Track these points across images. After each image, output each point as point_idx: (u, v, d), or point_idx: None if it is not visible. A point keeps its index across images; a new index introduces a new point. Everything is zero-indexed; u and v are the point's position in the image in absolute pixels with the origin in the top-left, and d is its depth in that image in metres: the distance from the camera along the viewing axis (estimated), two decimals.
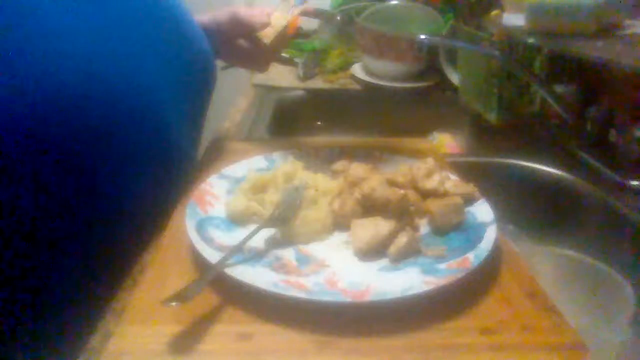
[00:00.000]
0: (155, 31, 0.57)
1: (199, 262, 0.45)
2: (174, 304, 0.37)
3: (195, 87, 0.65)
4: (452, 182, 0.57)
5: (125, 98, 0.49)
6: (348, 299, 0.41)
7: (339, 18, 0.79)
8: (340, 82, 1.36)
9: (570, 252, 0.64)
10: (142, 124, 0.52)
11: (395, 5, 1.33)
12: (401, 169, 0.60)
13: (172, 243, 0.50)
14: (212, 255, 0.44)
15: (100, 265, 0.50)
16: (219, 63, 0.76)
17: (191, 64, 0.63)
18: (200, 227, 0.50)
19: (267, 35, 0.71)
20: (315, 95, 1.32)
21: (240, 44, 0.74)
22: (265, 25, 0.71)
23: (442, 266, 0.46)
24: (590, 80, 0.89)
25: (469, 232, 0.51)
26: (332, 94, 1.33)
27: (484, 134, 1.07)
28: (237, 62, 0.81)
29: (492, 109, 1.01)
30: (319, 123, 1.27)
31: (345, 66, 1.43)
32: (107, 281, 0.46)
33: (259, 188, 0.57)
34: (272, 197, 0.54)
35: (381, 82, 1.32)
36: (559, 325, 0.40)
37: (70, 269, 0.49)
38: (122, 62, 0.50)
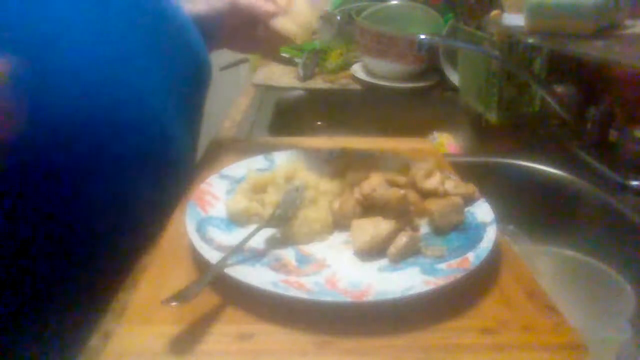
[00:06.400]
0: (152, 32, 0.56)
1: (199, 262, 0.45)
2: (174, 304, 0.37)
3: (192, 87, 0.64)
4: (452, 182, 0.57)
5: (120, 100, 0.49)
6: (348, 299, 0.41)
7: (339, 18, 0.78)
8: (340, 82, 1.37)
9: (570, 252, 0.64)
10: (139, 126, 0.52)
11: (395, 5, 1.33)
12: (401, 169, 0.60)
13: (172, 243, 0.50)
14: (212, 255, 0.44)
15: (100, 265, 0.50)
16: (219, 62, 0.76)
17: (188, 63, 0.62)
18: (200, 227, 0.50)
19: (298, 36, 0.66)
20: (315, 95, 1.32)
21: (244, 32, 0.70)
22: (271, 15, 0.65)
23: (442, 266, 0.46)
24: (590, 80, 0.89)
25: (469, 232, 0.51)
26: (332, 94, 1.33)
27: (484, 134, 1.07)
28: (242, 50, 0.78)
29: (492, 109, 1.01)
30: (319, 123, 1.27)
31: (345, 66, 1.43)
32: (107, 282, 0.46)
33: (259, 188, 0.57)
34: (272, 197, 0.54)
35: (381, 82, 1.32)
36: (559, 325, 0.40)
37: (71, 269, 0.49)
38: (118, 64, 0.49)
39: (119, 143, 0.49)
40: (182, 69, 0.60)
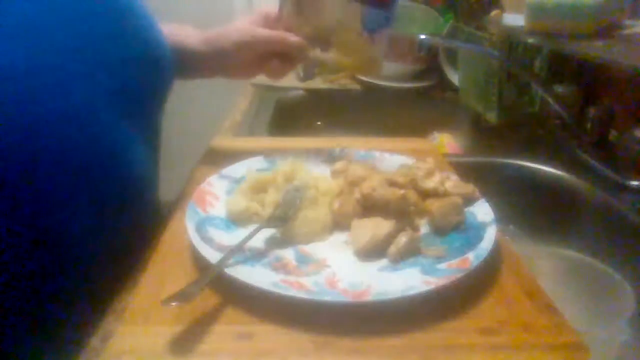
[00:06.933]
0: (93, 25, 0.47)
1: (199, 262, 0.45)
2: (174, 304, 0.37)
3: (147, 90, 0.55)
4: (452, 182, 0.57)
5: (52, 107, 0.42)
6: (348, 299, 0.41)
7: None
8: (340, 82, 1.37)
9: (570, 252, 0.64)
10: (79, 137, 0.45)
11: None
12: (401, 169, 0.60)
13: (172, 243, 0.50)
14: (212, 255, 0.44)
15: (100, 268, 0.50)
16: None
17: (141, 64, 0.52)
18: (200, 227, 0.50)
19: (362, 69, 0.64)
20: (315, 95, 1.32)
21: (256, 62, 0.66)
22: (302, 46, 0.63)
23: (442, 266, 0.46)
24: (590, 80, 0.89)
25: (469, 232, 0.51)
26: (332, 94, 1.33)
27: (484, 134, 1.07)
28: (246, 77, 0.73)
29: (492, 109, 1.01)
30: (319, 123, 1.27)
31: None
32: (107, 282, 0.46)
33: (259, 188, 0.57)
34: (272, 197, 0.54)
35: (381, 82, 1.32)
36: (559, 325, 0.40)
37: (70, 270, 0.49)
38: (44, 61, 0.42)
39: (48, 162, 0.42)
40: (130, 70, 0.51)
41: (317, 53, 0.65)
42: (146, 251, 0.49)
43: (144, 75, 0.53)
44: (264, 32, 0.63)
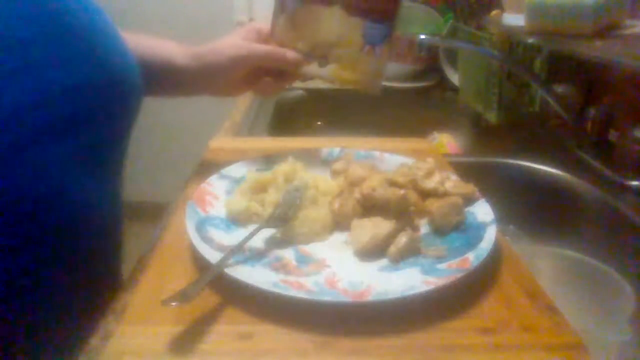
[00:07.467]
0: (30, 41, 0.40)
1: (199, 262, 0.45)
2: (174, 304, 0.37)
3: (104, 120, 0.46)
4: (452, 182, 0.57)
5: None
6: (348, 299, 0.41)
7: None
8: None
9: (570, 252, 0.64)
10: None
11: None
12: (401, 169, 0.60)
13: (172, 243, 0.50)
14: (212, 255, 0.44)
15: (101, 270, 0.50)
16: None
17: (98, 90, 0.45)
18: (200, 227, 0.50)
19: (362, 84, 0.63)
20: (315, 95, 1.32)
21: (247, 78, 0.63)
22: (298, 63, 0.62)
23: (442, 266, 0.46)
24: (590, 80, 0.89)
25: (469, 232, 0.51)
26: (332, 94, 1.33)
27: (484, 134, 1.07)
28: (236, 94, 0.68)
29: (492, 109, 1.01)
30: (319, 123, 1.27)
31: None
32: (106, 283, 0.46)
33: (259, 188, 0.57)
34: (272, 197, 0.54)
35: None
36: (559, 325, 0.40)
37: (69, 271, 0.49)
38: None
39: None
40: (86, 97, 0.44)
41: (313, 68, 0.65)
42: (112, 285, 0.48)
43: (101, 102, 0.45)
44: (262, 47, 0.61)
